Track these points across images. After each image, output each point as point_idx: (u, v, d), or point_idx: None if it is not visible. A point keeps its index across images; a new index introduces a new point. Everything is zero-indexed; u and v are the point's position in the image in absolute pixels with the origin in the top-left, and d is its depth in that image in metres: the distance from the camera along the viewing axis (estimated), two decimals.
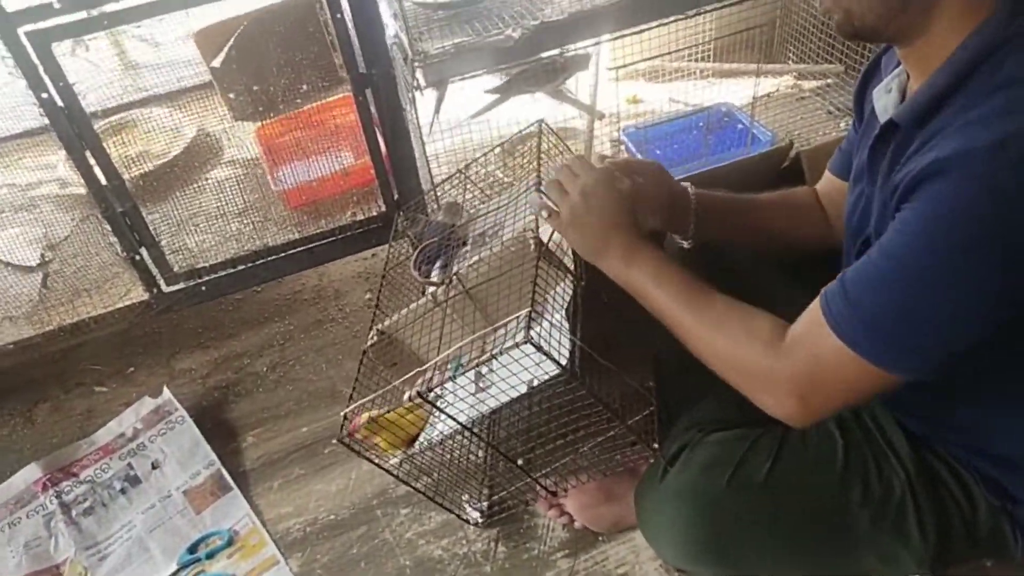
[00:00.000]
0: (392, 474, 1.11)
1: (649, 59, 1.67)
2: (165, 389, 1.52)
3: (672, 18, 1.53)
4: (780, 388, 0.77)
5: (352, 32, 1.28)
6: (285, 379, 1.59)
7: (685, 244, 1.06)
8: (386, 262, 1.34)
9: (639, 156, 1.87)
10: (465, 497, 1.25)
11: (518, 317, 0.96)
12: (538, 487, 1.16)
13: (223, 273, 1.50)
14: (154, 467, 1.43)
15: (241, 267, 1.50)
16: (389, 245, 1.38)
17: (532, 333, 0.87)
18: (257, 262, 1.50)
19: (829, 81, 2.02)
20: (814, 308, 0.76)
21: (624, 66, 1.65)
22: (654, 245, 0.90)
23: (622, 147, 1.93)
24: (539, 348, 0.87)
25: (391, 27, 1.48)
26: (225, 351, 1.68)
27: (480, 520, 1.24)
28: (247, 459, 1.44)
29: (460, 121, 1.59)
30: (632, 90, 2.13)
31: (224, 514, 1.36)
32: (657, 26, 1.53)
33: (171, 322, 1.73)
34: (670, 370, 1.09)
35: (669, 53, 1.77)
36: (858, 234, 0.86)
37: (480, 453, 1.28)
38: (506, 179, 1.80)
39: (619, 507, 1.18)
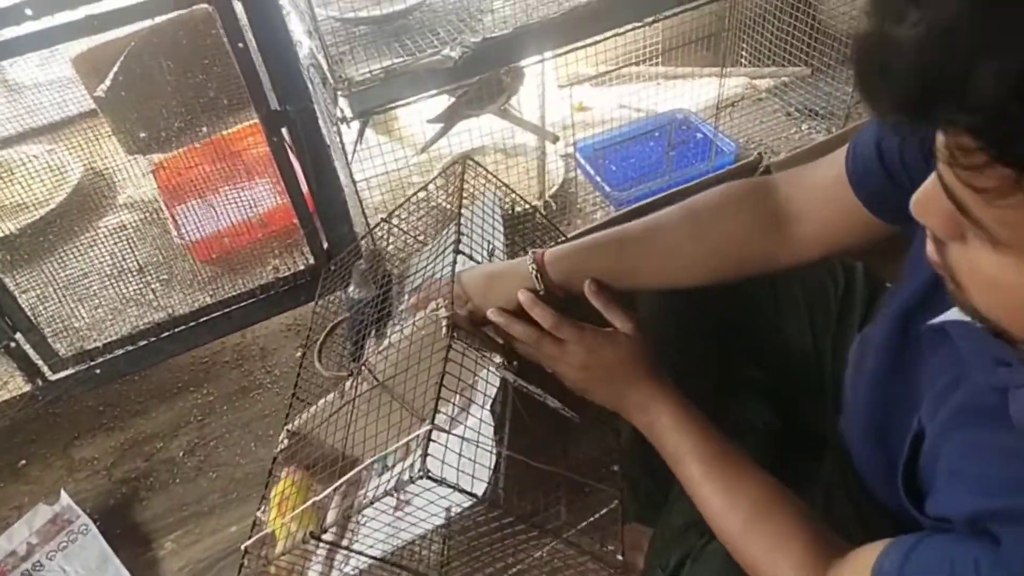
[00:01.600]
0: None
1: (603, 74, 1.50)
2: (63, 493, 1.28)
3: (625, 27, 1.36)
4: None
5: (259, 63, 1.06)
6: (206, 465, 1.36)
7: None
8: (308, 335, 1.14)
9: (591, 172, 1.70)
10: None
11: (418, 436, 0.78)
12: None
13: (120, 352, 1.26)
14: None
15: (142, 342, 1.26)
16: (313, 313, 1.18)
17: (430, 462, 0.71)
18: (162, 335, 1.27)
19: (785, 80, 1.88)
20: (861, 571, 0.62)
21: (574, 83, 1.47)
22: (677, 400, 0.82)
23: (573, 164, 1.76)
24: (440, 481, 0.71)
25: (305, 45, 1.26)
26: (132, 433, 1.43)
27: None
28: (167, 572, 1.22)
29: (395, 155, 1.38)
30: (578, 96, 1.95)
31: None
32: (611, 36, 1.36)
33: (65, 402, 1.47)
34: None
35: (621, 67, 1.60)
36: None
37: None
38: (447, 207, 1.60)
39: None
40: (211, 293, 1.35)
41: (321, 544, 0.82)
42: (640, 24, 1.37)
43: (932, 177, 0.45)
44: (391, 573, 0.88)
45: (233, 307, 1.31)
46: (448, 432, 0.75)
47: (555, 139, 1.47)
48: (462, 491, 0.72)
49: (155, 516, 1.29)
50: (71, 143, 1.52)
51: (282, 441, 0.97)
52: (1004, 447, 0.54)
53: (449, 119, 1.37)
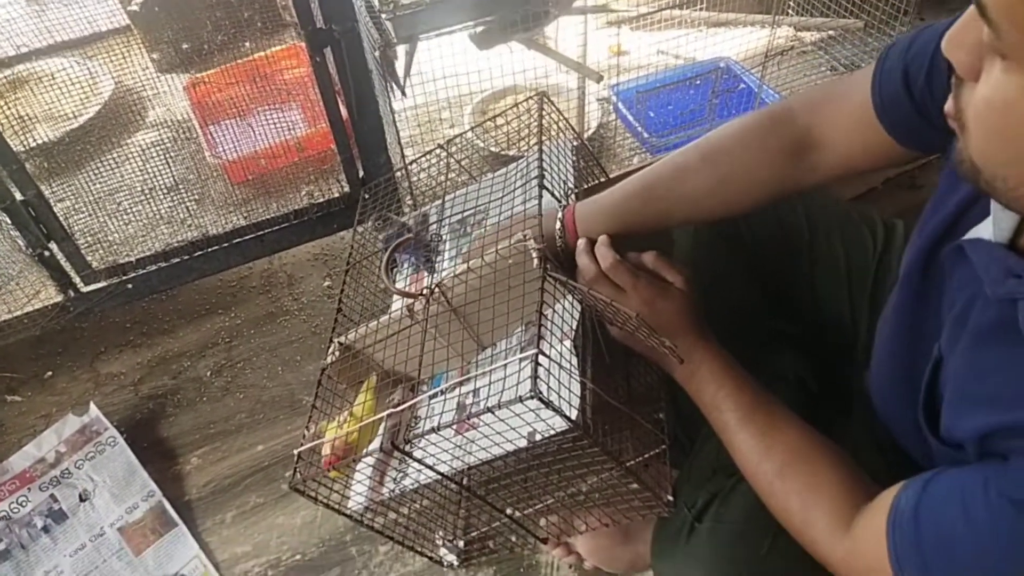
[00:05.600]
0: (356, 520, 0.93)
1: (644, 15, 1.46)
2: (92, 405, 1.29)
3: None
4: (831, 561, 0.70)
5: None
6: (233, 385, 1.38)
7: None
8: (349, 256, 1.13)
9: (630, 118, 1.67)
10: (440, 534, 1.08)
11: (520, 358, 0.79)
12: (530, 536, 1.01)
13: (153, 268, 1.25)
14: (82, 499, 1.21)
15: (175, 260, 1.26)
16: (354, 233, 1.17)
17: (539, 383, 0.71)
18: (195, 254, 1.26)
19: (831, 34, 1.83)
20: (879, 515, 0.63)
21: (617, 23, 1.43)
22: (718, 352, 0.84)
23: (610, 107, 1.72)
24: (547, 403, 0.72)
25: None
26: (160, 351, 1.44)
27: (456, 563, 1.08)
28: (193, 486, 1.24)
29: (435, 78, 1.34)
30: (616, 39, 1.90)
31: (169, 556, 1.16)
32: None
33: (94, 316, 1.47)
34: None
35: (663, 9, 1.55)
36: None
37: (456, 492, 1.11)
38: (488, 148, 1.58)
39: (637, 546, 1.04)
40: (244, 215, 1.35)
41: (378, 457, 0.83)
42: None
43: (965, 14, 0.48)
44: (446, 489, 0.90)
45: (266, 231, 1.30)
46: (549, 358, 0.75)
47: (599, 78, 1.44)
48: (564, 416, 0.73)
49: (182, 432, 1.31)
50: (106, 56, 1.49)
51: (332, 353, 0.97)
52: (1014, 361, 0.55)
53: (486, 43, 1.32)
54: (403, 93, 1.27)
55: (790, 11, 1.85)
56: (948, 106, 0.52)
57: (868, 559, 0.64)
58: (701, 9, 1.72)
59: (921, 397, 0.67)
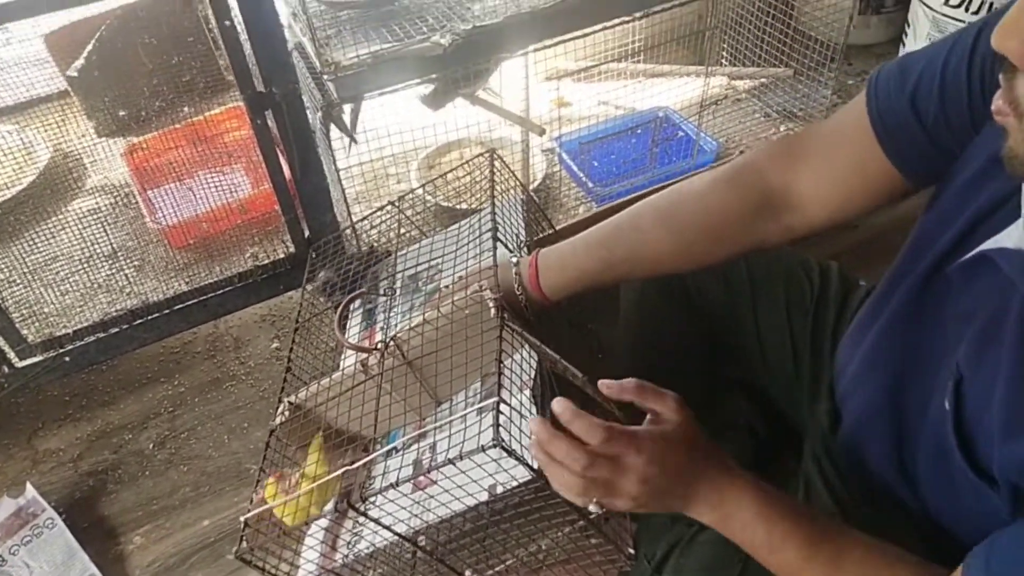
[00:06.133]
0: None
1: (585, 69, 1.49)
2: (28, 486, 1.23)
3: (615, 21, 1.36)
4: None
5: (246, 43, 1.03)
6: (177, 457, 1.32)
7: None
8: (298, 315, 1.11)
9: (574, 167, 1.69)
10: None
11: (480, 408, 0.79)
12: None
13: (91, 339, 1.21)
14: None
15: (114, 330, 1.22)
16: (302, 292, 1.16)
17: (502, 432, 0.71)
18: (135, 323, 1.22)
19: (764, 81, 1.90)
20: None
21: (557, 77, 1.46)
22: (749, 485, 0.69)
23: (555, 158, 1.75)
24: (510, 452, 0.71)
25: (290, 28, 1.23)
26: (100, 424, 1.38)
27: None
28: (136, 567, 1.18)
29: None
30: (558, 92, 1.94)
31: None
32: (600, 30, 1.35)
33: (30, 391, 1.41)
34: None
35: (604, 63, 1.60)
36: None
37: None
38: (438, 203, 1.58)
39: None
40: (186, 280, 1.32)
41: (331, 520, 0.80)
42: (629, 19, 1.37)
43: (1016, 5, 0.47)
44: (404, 551, 0.87)
45: (209, 295, 1.27)
46: (510, 406, 0.74)
47: (542, 131, 1.46)
48: (527, 465, 0.71)
49: (124, 510, 1.25)
50: (42, 123, 1.46)
51: (282, 413, 0.94)
52: None
53: (435, 103, 1.34)
54: (354, 140, 1.27)
55: (724, 61, 1.92)
56: (998, 104, 0.51)
57: None
58: (639, 61, 1.77)
59: (950, 420, 0.62)
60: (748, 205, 0.79)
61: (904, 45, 1.99)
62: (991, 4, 1.72)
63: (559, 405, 0.69)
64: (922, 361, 0.68)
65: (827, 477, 0.85)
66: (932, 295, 0.67)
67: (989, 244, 0.59)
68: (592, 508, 0.70)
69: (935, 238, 0.67)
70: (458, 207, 1.55)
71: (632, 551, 0.89)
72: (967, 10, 1.76)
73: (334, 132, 1.26)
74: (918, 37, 1.90)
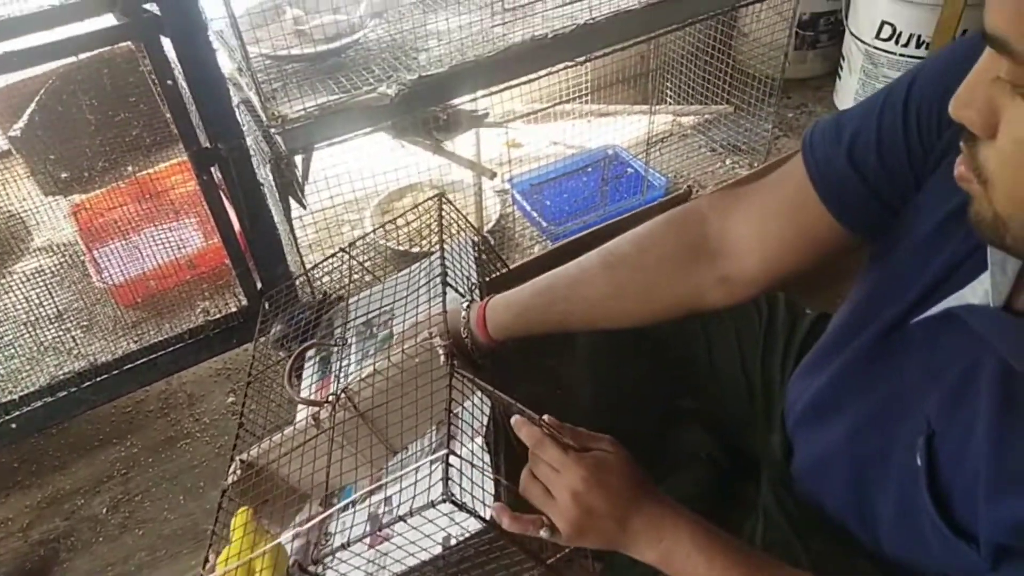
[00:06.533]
0: None
1: (535, 111, 1.52)
2: None
3: (558, 67, 1.39)
4: None
5: (188, 100, 1.03)
6: (132, 521, 1.29)
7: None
8: (251, 368, 1.10)
9: (527, 207, 1.72)
10: None
11: (431, 460, 0.78)
12: None
13: (38, 404, 1.18)
14: None
15: (62, 393, 1.19)
16: (255, 345, 1.14)
17: (451, 485, 0.70)
18: (83, 385, 1.20)
19: (708, 117, 1.95)
20: None
21: (513, 119, 1.49)
22: (689, 521, 0.70)
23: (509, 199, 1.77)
24: (461, 506, 0.70)
25: (236, 83, 1.23)
26: (51, 490, 1.34)
27: None
28: None
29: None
30: (511, 134, 1.97)
31: None
32: (544, 75, 1.38)
33: None
34: None
35: (553, 105, 1.63)
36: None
37: None
38: (392, 247, 1.58)
39: None
40: (135, 339, 1.29)
41: None
42: (571, 64, 1.40)
43: (970, 75, 0.46)
44: None
45: (159, 353, 1.25)
46: (460, 458, 0.73)
47: (492, 175, 1.48)
48: (478, 517, 0.70)
49: None
50: None
51: (234, 472, 0.92)
52: None
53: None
54: (303, 206, 1.28)
55: (668, 100, 1.97)
56: (960, 170, 0.50)
57: None
58: (587, 102, 1.81)
59: (923, 477, 0.61)
60: (682, 245, 0.78)
61: (840, 78, 2.07)
62: (919, 37, 1.80)
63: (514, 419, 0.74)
64: (883, 412, 0.68)
65: (785, 507, 0.86)
66: (893, 348, 0.67)
67: (954, 300, 0.59)
68: (542, 533, 0.71)
69: (894, 292, 0.66)
70: (412, 251, 1.55)
71: None
72: (897, 43, 1.84)
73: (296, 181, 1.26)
74: (852, 70, 1.97)
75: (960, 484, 0.59)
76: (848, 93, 2.03)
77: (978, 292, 0.57)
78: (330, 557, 0.78)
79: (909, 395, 0.64)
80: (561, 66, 1.39)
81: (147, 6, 0.98)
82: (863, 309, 0.72)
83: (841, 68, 2.05)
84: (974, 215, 0.50)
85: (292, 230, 1.30)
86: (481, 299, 0.98)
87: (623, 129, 1.87)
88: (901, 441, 0.65)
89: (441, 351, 0.87)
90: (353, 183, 1.37)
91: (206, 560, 0.82)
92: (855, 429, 0.72)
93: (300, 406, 1.10)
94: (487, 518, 0.72)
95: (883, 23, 1.84)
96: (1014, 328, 0.54)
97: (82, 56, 1.13)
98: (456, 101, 1.32)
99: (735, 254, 0.76)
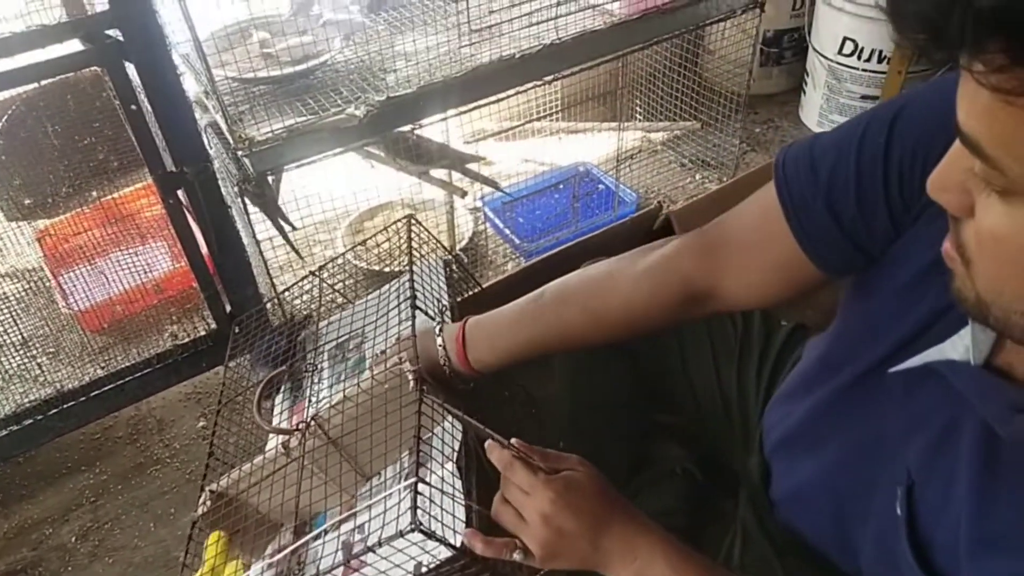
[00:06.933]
0: None
1: (506, 130, 1.53)
2: None
3: (527, 86, 1.40)
4: None
5: (153, 124, 1.03)
6: (101, 550, 1.27)
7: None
8: (221, 394, 1.09)
9: (500, 225, 1.72)
10: None
11: (402, 488, 0.78)
12: None
13: (4, 432, 1.16)
14: None
15: (28, 421, 1.17)
16: (225, 370, 1.13)
17: (419, 514, 0.70)
18: (49, 412, 1.18)
19: (677, 133, 1.98)
20: None
21: (479, 139, 1.50)
22: (663, 539, 0.71)
23: (481, 217, 1.78)
24: (430, 535, 0.70)
25: (202, 106, 1.23)
26: (18, 520, 1.31)
27: None
28: None
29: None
30: (482, 152, 1.98)
31: None
32: (512, 95, 1.39)
33: None
34: None
35: (524, 123, 1.65)
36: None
37: None
38: (365, 268, 1.58)
39: None
40: (103, 365, 1.28)
41: None
42: (540, 83, 1.41)
43: (946, 157, 0.46)
44: None
45: (127, 378, 1.23)
46: (430, 485, 0.73)
47: (463, 193, 1.49)
48: (448, 545, 0.70)
49: None
50: None
51: (203, 503, 0.91)
52: None
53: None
54: (292, 227, 1.27)
55: (638, 117, 1.99)
56: (946, 247, 0.49)
57: None
58: (558, 120, 1.83)
59: (903, 527, 0.62)
60: (673, 304, 0.80)
61: (804, 93, 2.10)
62: (880, 52, 1.84)
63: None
64: (862, 453, 0.68)
65: (764, 526, 0.86)
66: (871, 393, 0.67)
67: (934, 354, 0.58)
68: (516, 556, 0.72)
69: (873, 336, 0.66)
70: (384, 271, 1.55)
71: None
72: (859, 58, 1.88)
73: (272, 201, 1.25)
74: (817, 85, 2.01)
75: (940, 538, 0.59)
76: (813, 108, 2.06)
77: (958, 347, 0.56)
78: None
79: (889, 441, 0.64)
80: (529, 85, 1.40)
81: (111, 32, 0.98)
82: (843, 347, 0.73)
83: (805, 83, 2.09)
84: (956, 292, 0.49)
85: (261, 252, 1.29)
86: (453, 320, 0.98)
87: (594, 146, 1.89)
88: (881, 485, 0.65)
89: (411, 376, 0.87)
90: (323, 204, 1.37)
91: None
92: (834, 465, 0.72)
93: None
94: (457, 545, 0.72)
95: (845, 39, 1.88)
96: (995, 389, 0.53)
97: (45, 82, 1.13)
98: (427, 122, 1.33)
99: (723, 301, 0.78)
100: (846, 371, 0.70)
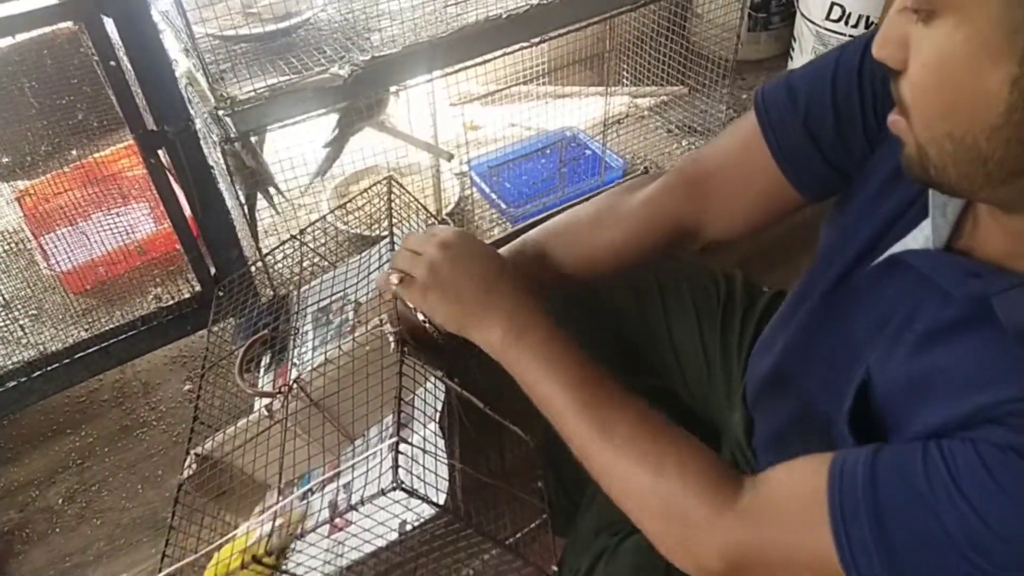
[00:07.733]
0: None
1: (492, 93, 1.52)
2: None
3: (513, 47, 1.39)
4: (713, 547, 0.60)
5: (133, 82, 1.01)
6: (89, 511, 1.27)
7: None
8: (205, 358, 1.09)
9: (486, 189, 1.72)
10: None
11: (380, 449, 0.78)
12: None
13: None
14: None
15: (11, 383, 1.17)
16: (208, 334, 1.13)
17: (402, 473, 0.70)
18: (33, 375, 1.17)
19: (664, 99, 1.97)
20: (810, 475, 0.56)
21: (465, 102, 1.48)
22: (546, 315, 0.71)
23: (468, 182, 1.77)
24: (412, 492, 0.70)
25: (182, 64, 1.21)
26: (3, 482, 1.32)
27: None
28: None
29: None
30: (468, 115, 1.96)
31: None
32: (499, 56, 1.38)
33: None
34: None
35: (510, 86, 1.63)
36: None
37: None
38: (350, 231, 1.57)
39: None
40: (86, 327, 1.27)
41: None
42: (527, 44, 1.40)
43: (887, 19, 0.49)
44: None
45: (111, 340, 1.23)
46: (412, 445, 0.74)
47: (449, 157, 1.47)
48: (431, 502, 0.71)
49: (34, 570, 1.19)
50: None
51: (189, 467, 0.91)
52: (989, 347, 0.51)
53: (339, 142, 1.34)
54: (281, 194, 1.26)
55: (625, 81, 1.98)
56: (891, 118, 0.52)
57: (784, 517, 0.57)
58: (545, 83, 1.81)
59: (846, 419, 0.62)
60: (662, 243, 0.82)
61: (792, 59, 2.10)
62: (867, 18, 1.84)
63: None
64: (833, 371, 0.68)
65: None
66: (840, 303, 0.69)
67: (897, 248, 0.61)
68: (392, 279, 0.78)
69: (841, 250, 0.69)
70: (369, 234, 1.54)
71: (555, 568, 0.89)
72: (847, 24, 1.87)
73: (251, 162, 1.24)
74: (804, 51, 2.00)
75: (894, 413, 0.59)
76: None
77: (919, 239, 0.60)
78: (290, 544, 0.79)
79: (855, 348, 0.65)
80: (516, 47, 1.39)
81: None
82: (814, 271, 0.75)
83: (793, 49, 2.08)
84: (905, 158, 0.52)
85: (245, 214, 1.28)
86: None
87: (580, 111, 1.88)
88: (847, 396, 0.65)
89: (392, 337, 0.87)
90: (308, 166, 1.35)
91: (164, 556, 0.82)
92: (810, 392, 0.73)
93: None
94: (440, 503, 0.73)
95: (832, 4, 1.87)
96: (952, 262, 0.56)
97: (21, 38, 1.11)
98: (412, 83, 1.31)
99: (711, 233, 0.81)
100: (817, 290, 0.72)
